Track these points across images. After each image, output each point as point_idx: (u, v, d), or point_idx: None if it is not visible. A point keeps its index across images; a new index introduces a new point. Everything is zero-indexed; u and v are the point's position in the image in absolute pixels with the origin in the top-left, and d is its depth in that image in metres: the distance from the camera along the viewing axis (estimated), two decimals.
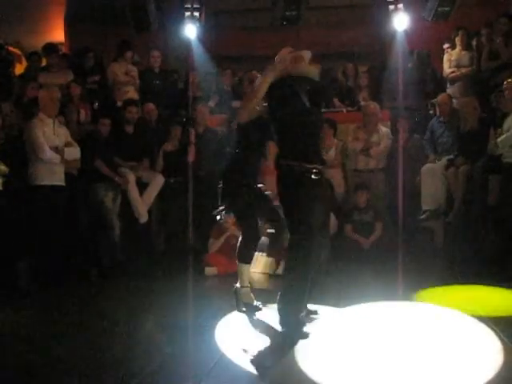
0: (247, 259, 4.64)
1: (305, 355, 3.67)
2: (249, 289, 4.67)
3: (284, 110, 4.14)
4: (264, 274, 6.18)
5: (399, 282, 5.31)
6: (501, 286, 5.05)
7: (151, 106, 7.62)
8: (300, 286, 4.04)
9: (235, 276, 4.84)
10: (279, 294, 4.13)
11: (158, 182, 6.97)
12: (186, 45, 8.13)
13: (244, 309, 4.62)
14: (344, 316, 4.54)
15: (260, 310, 4.61)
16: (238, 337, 4.17)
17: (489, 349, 3.73)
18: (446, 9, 7.99)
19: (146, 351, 4.02)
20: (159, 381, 3.47)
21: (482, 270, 5.89)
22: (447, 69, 8.23)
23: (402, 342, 3.91)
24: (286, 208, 4.21)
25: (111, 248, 6.71)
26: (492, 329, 4.05)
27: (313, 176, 4.08)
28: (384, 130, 7.41)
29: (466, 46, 8.15)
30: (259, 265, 5.67)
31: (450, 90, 8.10)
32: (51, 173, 6.03)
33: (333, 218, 6.96)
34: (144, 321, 4.79)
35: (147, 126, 7.49)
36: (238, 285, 4.70)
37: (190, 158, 7.00)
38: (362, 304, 4.73)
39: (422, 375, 3.38)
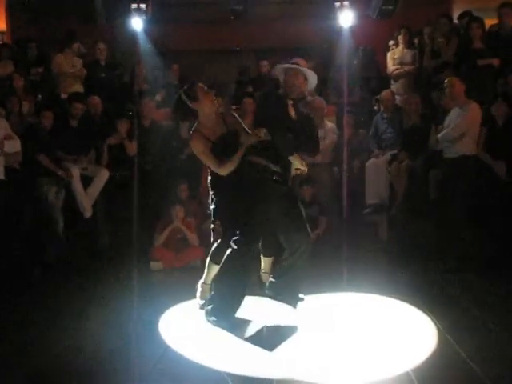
0: (218, 260, 4.52)
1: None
2: (209, 286, 4.63)
3: None
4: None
5: (344, 274, 5.42)
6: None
7: (96, 99, 7.50)
8: (229, 292, 4.23)
9: (181, 270, 4.85)
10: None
11: (102, 176, 6.88)
12: (133, 38, 8.04)
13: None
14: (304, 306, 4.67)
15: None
16: (182, 329, 4.20)
17: (424, 333, 4.06)
18: (390, 7, 8.16)
19: (91, 347, 4.00)
20: (104, 376, 3.46)
21: (423, 262, 6.05)
22: (391, 66, 8.41)
23: (346, 329, 4.18)
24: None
25: (55, 243, 6.59)
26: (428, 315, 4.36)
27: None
28: (330, 125, 7.49)
29: (409, 45, 8.35)
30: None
31: (393, 86, 8.27)
32: None
33: None
34: (89, 317, 4.74)
35: (92, 120, 7.37)
36: (201, 281, 4.68)
37: (130, 151, 6.94)
38: (311, 295, 4.84)
39: (362, 358, 3.65)
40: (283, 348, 3.84)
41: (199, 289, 4.68)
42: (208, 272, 4.65)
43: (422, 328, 4.19)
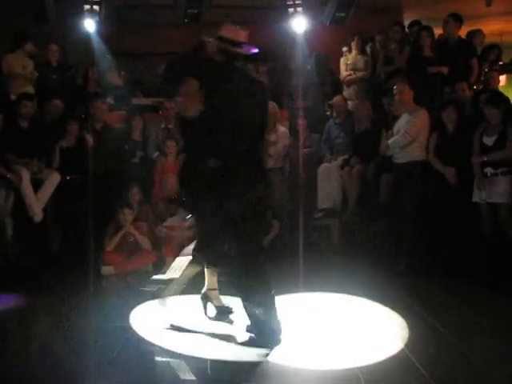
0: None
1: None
2: (217, 291, 4.57)
3: None
4: None
5: (299, 278, 5.48)
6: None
7: (57, 101, 7.43)
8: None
9: (132, 274, 4.84)
10: None
11: (53, 179, 6.76)
12: (85, 39, 7.95)
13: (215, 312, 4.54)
14: None
15: (232, 311, 4.54)
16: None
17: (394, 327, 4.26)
18: (342, 14, 8.30)
19: (39, 354, 3.94)
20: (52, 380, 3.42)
21: (373, 266, 6.15)
22: (344, 72, 8.53)
23: (320, 326, 4.34)
24: None
25: (3, 248, 6.45)
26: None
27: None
28: (282, 129, 7.54)
29: (362, 51, 8.48)
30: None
31: (346, 92, 8.39)
32: None
33: None
34: (38, 323, 4.67)
35: (42, 122, 7.25)
36: (205, 289, 4.57)
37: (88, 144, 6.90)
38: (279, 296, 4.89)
39: (339, 352, 3.83)
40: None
41: (210, 296, 4.55)
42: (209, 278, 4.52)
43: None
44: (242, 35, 4.18)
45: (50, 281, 5.95)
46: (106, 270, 6.21)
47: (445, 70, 7.24)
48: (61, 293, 5.45)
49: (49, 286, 5.72)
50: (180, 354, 3.83)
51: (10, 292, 5.52)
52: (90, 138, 6.91)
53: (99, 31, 7.99)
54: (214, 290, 4.56)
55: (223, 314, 4.50)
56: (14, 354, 3.92)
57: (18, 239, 6.55)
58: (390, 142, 6.36)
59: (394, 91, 6.40)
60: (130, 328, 4.29)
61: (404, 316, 4.51)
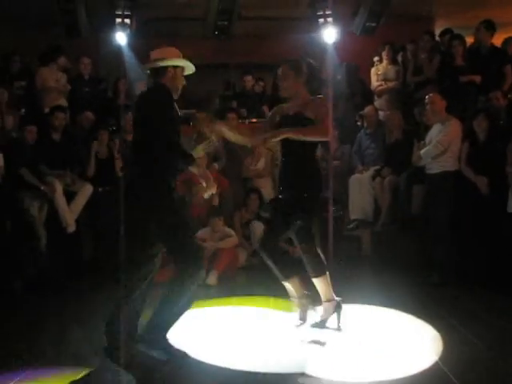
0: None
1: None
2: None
3: None
4: None
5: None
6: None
7: (89, 114, 7.54)
8: None
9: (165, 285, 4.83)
10: None
11: (86, 191, 6.85)
12: (117, 52, 8.04)
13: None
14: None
15: None
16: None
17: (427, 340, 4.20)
18: (373, 24, 8.27)
19: (71, 363, 3.96)
20: None
21: (406, 277, 6.08)
22: (374, 82, 8.48)
23: (351, 338, 4.30)
24: None
25: (37, 258, 6.53)
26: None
27: None
28: None
29: (393, 61, 8.42)
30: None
31: (377, 102, 8.34)
32: None
33: (262, 227, 7.04)
34: (71, 332, 4.70)
35: (75, 134, 7.35)
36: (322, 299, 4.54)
37: (118, 168, 6.95)
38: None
39: (373, 364, 3.77)
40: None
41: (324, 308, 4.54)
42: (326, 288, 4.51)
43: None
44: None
45: (82, 291, 6.01)
46: None
47: (477, 78, 7.15)
48: (92, 303, 5.50)
49: (81, 296, 5.77)
50: (213, 365, 3.81)
51: (42, 302, 5.61)
52: (118, 160, 6.99)
53: (130, 44, 8.09)
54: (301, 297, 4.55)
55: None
56: (48, 361, 3.95)
57: (51, 250, 6.63)
58: (422, 152, 6.29)
59: (426, 101, 6.34)
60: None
61: (437, 328, 4.43)
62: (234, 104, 8.62)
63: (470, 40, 7.71)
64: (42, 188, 6.57)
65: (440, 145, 6.12)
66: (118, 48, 7.90)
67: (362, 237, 7.30)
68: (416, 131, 7.02)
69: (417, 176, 6.61)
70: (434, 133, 6.24)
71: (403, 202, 6.87)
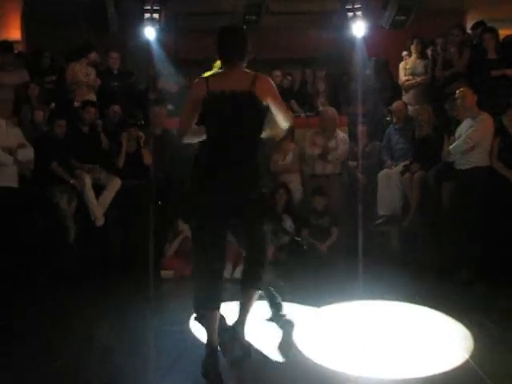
0: None
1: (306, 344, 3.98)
2: None
3: None
4: None
5: (358, 285, 5.41)
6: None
7: (116, 107, 7.58)
8: None
9: (190, 278, 4.88)
10: None
11: (114, 184, 6.89)
12: (146, 47, 8.08)
13: None
14: (329, 313, 4.78)
15: None
16: None
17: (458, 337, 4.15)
18: (402, 18, 8.16)
19: (101, 356, 4.00)
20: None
21: (435, 274, 6.02)
22: (402, 76, 8.37)
23: (381, 334, 4.24)
24: None
25: (66, 251, 6.60)
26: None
27: None
28: (341, 135, 7.49)
29: (421, 55, 8.30)
30: None
31: (405, 97, 8.23)
32: (3, 174, 5.91)
33: (290, 222, 7.04)
34: (99, 325, 4.75)
35: (103, 128, 7.41)
36: None
37: (146, 160, 6.98)
38: (340, 303, 4.99)
39: (401, 361, 3.74)
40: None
41: None
42: None
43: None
44: None
45: (111, 284, 6.06)
46: (166, 274, 6.28)
47: (510, 72, 7.02)
48: (121, 296, 5.55)
49: (109, 289, 5.82)
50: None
51: (71, 295, 5.68)
52: (148, 153, 7.02)
53: (159, 39, 8.11)
54: None
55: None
56: (75, 356, 3.98)
57: (80, 243, 6.70)
58: (451, 147, 6.22)
59: (457, 95, 6.26)
60: (190, 332, 4.31)
61: (468, 326, 4.37)
62: None
63: (504, 33, 7.56)
64: (72, 182, 6.63)
65: (470, 140, 6.04)
66: (147, 43, 7.92)
67: (390, 233, 7.24)
68: (446, 126, 6.92)
69: (447, 171, 6.53)
70: (465, 128, 6.16)
71: (432, 198, 6.79)
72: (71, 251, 6.60)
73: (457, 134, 6.21)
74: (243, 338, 3.60)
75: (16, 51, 8.61)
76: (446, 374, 3.51)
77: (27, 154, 6.20)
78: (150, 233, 6.29)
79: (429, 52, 8.42)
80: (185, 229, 6.40)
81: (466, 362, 3.68)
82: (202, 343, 3.73)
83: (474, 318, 4.54)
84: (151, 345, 4.15)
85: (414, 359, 3.77)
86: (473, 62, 7.45)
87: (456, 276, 5.85)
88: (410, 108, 7.87)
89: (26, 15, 9.87)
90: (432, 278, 5.92)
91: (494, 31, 7.33)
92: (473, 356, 3.77)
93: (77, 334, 4.46)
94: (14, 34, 10.04)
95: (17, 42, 9.71)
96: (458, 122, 6.44)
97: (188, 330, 4.33)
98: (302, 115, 8.27)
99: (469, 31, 8.26)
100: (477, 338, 4.10)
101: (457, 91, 6.31)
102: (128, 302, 5.23)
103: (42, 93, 7.63)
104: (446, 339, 4.17)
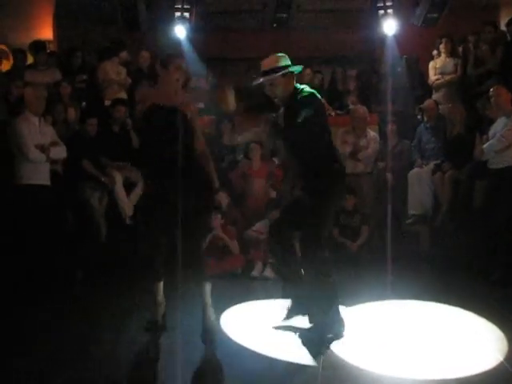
0: None
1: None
2: None
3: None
4: None
5: (388, 284, 5.37)
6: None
7: None
8: None
9: (222, 277, 4.89)
10: None
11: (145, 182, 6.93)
12: (176, 45, 8.11)
13: None
14: (359, 312, 4.74)
15: None
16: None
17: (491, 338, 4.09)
18: (435, 15, 8.06)
19: (133, 353, 4.02)
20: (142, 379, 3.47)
21: (466, 274, 5.94)
22: (432, 76, 8.26)
23: (412, 334, 4.21)
24: None
25: (97, 248, 6.66)
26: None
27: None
28: (372, 134, 7.43)
29: (451, 53, 8.17)
30: None
31: (435, 96, 8.13)
32: (36, 172, 5.97)
33: None
34: (131, 322, 4.77)
35: (133, 126, 7.44)
36: None
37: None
38: (370, 303, 4.95)
39: (434, 361, 3.68)
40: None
41: None
42: None
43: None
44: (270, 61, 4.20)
45: (141, 280, 6.08)
46: None
47: None
48: (150, 294, 5.57)
49: (139, 286, 5.84)
50: (269, 357, 3.81)
51: (102, 291, 5.73)
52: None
53: (189, 37, 8.14)
54: None
55: None
56: (102, 351, 4.02)
57: (111, 240, 6.75)
58: (484, 146, 6.13)
59: (491, 94, 6.16)
60: (221, 330, 4.31)
61: (501, 327, 4.30)
62: None
63: None
64: (103, 179, 6.68)
65: (504, 139, 5.95)
66: (178, 41, 7.96)
67: (421, 232, 7.16)
68: (479, 125, 6.82)
69: (479, 171, 6.45)
70: (499, 126, 6.06)
71: (464, 197, 6.70)
72: (102, 248, 6.65)
73: (490, 133, 6.12)
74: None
75: (48, 51, 8.73)
76: (479, 375, 3.46)
77: (60, 151, 6.25)
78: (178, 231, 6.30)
79: (460, 50, 8.31)
80: (215, 227, 6.41)
81: (500, 364, 3.62)
82: (232, 341, 3.76)
83: (508, 319, 4.47)
84: (180, 342, 4.14)
85: (447, 360, 3.72)
86: (506, 59, 7.32)
87: (489, 276, 5.77)
88: (440, 107, 7.78)
89: (58, 15, 9.99)
90: (464, 278, 5.85)
91: None
92: (507, 358, 3.71)
93: (104, 329, 4.51)
94: (47, 33, 10.18)
95: (49, 41, 9.86)
96: (491, 121, 6.35)
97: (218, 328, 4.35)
98: (333, 114, 8.22)
99: (503, 28, 8.12)
100: (510, 340, 4.03)
101: (491, 89, 6.22)
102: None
103: (73, 91, 7.71)
104: (479, 340, 4.11)
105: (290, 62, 4.21)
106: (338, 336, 4.05)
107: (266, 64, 4.17)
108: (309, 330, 4.12)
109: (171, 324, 4.41)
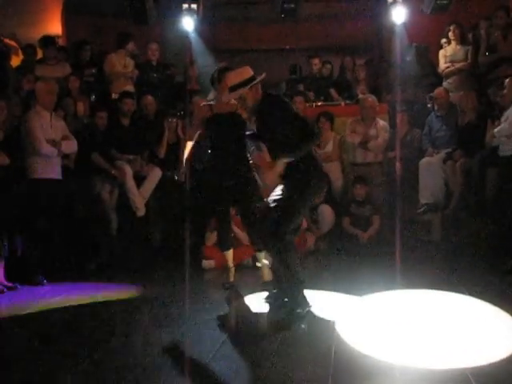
0: None
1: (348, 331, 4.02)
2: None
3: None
4: None
5: (400, 274, 5.35)
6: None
7: (149, 98, 7.56)
8: None
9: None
10: None
11: (155, 175, 6.94)
12: (184, 37, 8.09)
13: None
14: (371, 302, 4.74)
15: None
16: None
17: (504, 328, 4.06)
18: (445, 2, 7.93)
19: (143, 344, 4.04)
20: (156, 374, 3.48)
21: (478, 264, 5.91)
22: (442, 64, 8.18)
23: (424, 324, 4.16)
24: None
25: (108, 241, 6.69)
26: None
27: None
28: (382, 123, 7.39)
29: (461, 41, 8.08)
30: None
31: (445, 84, 8.05)
32: (48, 166, 6.00)
33: (331, 211, 7.00)
34: (141, 313, 4.80)
35: (144, 119, 7.45)
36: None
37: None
38: (381, 292, 4.93)
39: (447, 351, 3.65)
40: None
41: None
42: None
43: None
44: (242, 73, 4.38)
45: (152, 273, 6.12)
46: (207, 263, 6.32)
47: None
48: (162, 285, 5.60)
49: (151, 278, 5.88)
50: None
51: (114, 283, 5.76)
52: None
53: (197, 29, 8.12)
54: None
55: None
56: (117, 344, 4.03)
57: (122, 233, 6.78)
58: (496, 130, 6.09)
59: (506, 83, 6.09)
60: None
61: None
62: (301, 87, 8.54)
63: None
64: (113, 172, 6.69)
65: None
66: (186, 33, 7.93)
67: (433, 221, 7.13)
68: (490, 112, 6.77)
69: (491, 159, 6.40)
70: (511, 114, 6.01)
71: (476, 186, 6.66)
72: (113, 241, 6.68)
73: (503, 119, 6.07)
74: None
75: (57, 45, 8.75)
76: (492, 365, 3.44)
77: (71, 146, 6.28)
78: (188, 223, 6.33)
79: (470, 36, 8.22)
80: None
81: None
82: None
83: None
84: (192, 335, 4.15)
85: (460, 350, 3.70)
86: None
87: (501, 266, 5.73)
88: (451, 95, 7.71)
89: (66, 10, 10.01)
90: (476, 267, 5.81)
91: None
92: None
93: (118, 324, 4.52)
94: (55, 28, 10.20)
95: (58, 36, 9.87)
96: (503, 108, 6.29)
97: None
98: (342, 103, 8.19)
99: None
100: None
101: (506, 80, 6.15)
102: (169, 291, 5.28)
103: (82, 85, 7.73)
104: (492, 330, 4.09)
105: (252, 72, 4.36)
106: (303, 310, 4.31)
107: (232, 80, 4.34)
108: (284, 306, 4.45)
109: None
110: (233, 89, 4.31)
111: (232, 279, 5.20)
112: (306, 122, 4.42)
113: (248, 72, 4.35)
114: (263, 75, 4.39)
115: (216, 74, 4.96)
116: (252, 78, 4.32)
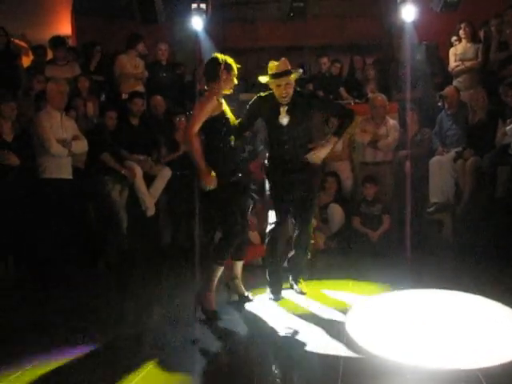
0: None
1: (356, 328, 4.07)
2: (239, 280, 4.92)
3: None
4: None
5: (410, 273, 5.34)
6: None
7: (159, 98, 7.58)
8: None
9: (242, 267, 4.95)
10: None
11: (165, 174, 6.96)
12: (193, 37, 8.09)
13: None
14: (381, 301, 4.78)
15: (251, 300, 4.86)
16: None
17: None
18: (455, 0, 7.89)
19: (152, 343, 4.05)
20: (166, 371, 3.49)
21: (489, 263, 5.87)
22: (452, 63, 8.14)
23: (435, 324, 4.16)
24: None
25: (118, 240, 6.71)
26: None
27: None
28: (392, 122, 7.37)
29: (471, 39, 8.04)
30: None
31: (455, 82, 8.00)
32: (59, 166, 6.04)
33: (340, 210, 6.99)
34: (150, 312, 4.81)
35: (153, 119, 7.46)
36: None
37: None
38: (392, 292, 4.96)
39: (457, 351, 3.66)
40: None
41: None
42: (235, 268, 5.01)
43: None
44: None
45: (162, 272, 6.14)
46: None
47: None
48: (172, 284, 5.62)
49: (160, 278, 5.89)
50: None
51: (123, 283, 5.77)
52: None
53: (206, 28, 8.11)
54: (237, 278, 4.92)
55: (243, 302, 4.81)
56: (126, 341, 4.06)
57: (132, 232, 6.79)
58: (507, 128, 6.05)
59: None
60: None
61: None
62: (310, 86, 8.52)
63: None
64: (123, 172, 6.71)
65: None
66: (195, 33, 7.93)
67: (443, 221, 7.10)
68: (501, 111, 6.72)
69: (501, 157, 6.36)
70: None
71: (487, 185, 6.62)
72: (123, 240, 6.70)
73: None
74: None
75: (67, 46, 8.78)
76: (502, 365, 3.42)
77: (81, 145, 6.31)
78: (198, 222, 6.34)
79: (481, 34, 8.16)
80: None
81: None
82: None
83: None
84: (203, 332, 4.17)
85: (470, 350, 3.69)
86: None
87: (510, 266, 5.70)
88: (461, 93, 7.67)
89: (76, 10, 10.04)
90: (487, 266, 5.78)
91: None
92: None
93: (128, 319, 4.57)
94: (65, 29, 10.25)
95: (68, 36, 9.92)
96: None
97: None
98: (352, 102, 8.17)
99: None
100: None
101: None
102: (178, 291, 5.30)
103: (91, 86, 7.75)
104: (503, 330, 4.07)
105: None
106: None
107: (282, 66, 4.67)
108: None
109: None
110: (284, 74, 4.64)
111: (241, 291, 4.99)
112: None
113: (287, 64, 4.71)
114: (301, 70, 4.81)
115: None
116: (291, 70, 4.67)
